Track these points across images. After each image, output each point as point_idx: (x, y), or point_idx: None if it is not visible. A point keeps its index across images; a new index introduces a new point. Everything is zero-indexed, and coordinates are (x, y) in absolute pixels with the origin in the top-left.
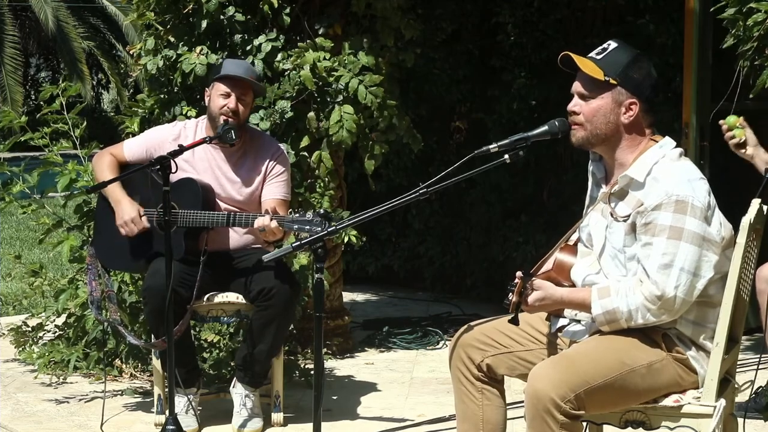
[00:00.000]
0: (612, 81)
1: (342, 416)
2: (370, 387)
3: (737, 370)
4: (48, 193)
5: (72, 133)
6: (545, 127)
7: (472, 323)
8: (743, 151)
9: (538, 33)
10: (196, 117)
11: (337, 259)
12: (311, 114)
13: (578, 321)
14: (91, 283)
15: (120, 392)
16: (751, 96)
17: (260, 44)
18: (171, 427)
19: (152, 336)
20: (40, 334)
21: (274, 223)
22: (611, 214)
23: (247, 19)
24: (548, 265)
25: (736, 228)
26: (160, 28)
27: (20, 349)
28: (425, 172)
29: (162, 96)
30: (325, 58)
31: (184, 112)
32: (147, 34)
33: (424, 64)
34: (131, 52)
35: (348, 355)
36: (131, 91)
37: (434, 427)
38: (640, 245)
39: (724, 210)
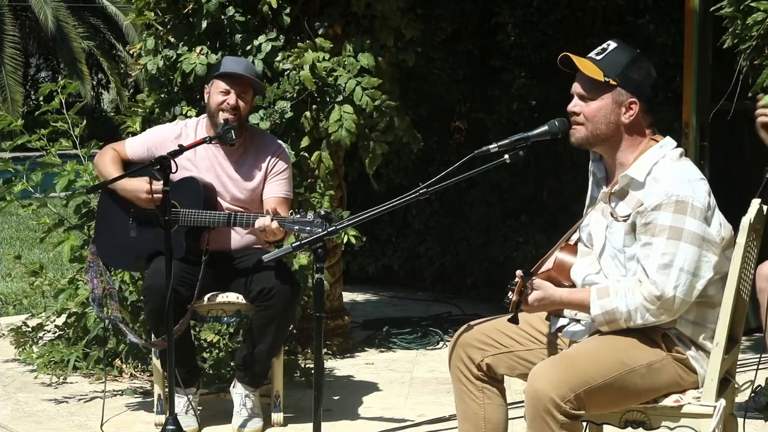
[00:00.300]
0: (612, 81)
1: (342, 416)
2: (370, 387)
3: (737, 370)
4: (49, 194)
5: (72, 133)
6: (545, 127)
7: (472, 323)
8: (765, 133)
9: (538, 33)
10: (197, 116)
11: (337, 259)
12: (307, 113)
13: (578, 321)
14: (93, 280)
15: (120, 392)
16: (749, 94)
17: (260, 44)
18: (171, 427)
19: (152, 335)
20: (40, 334)
21: (274, 224)
22: (611, 214)
23: (247, 19)
24: (548, 265)
25: (736, 228)
26: (160, 28)
27: (20, 349)
28: (425, 172)
29: (162, 96)
30: (324, 59)
31: (184, 112)
32: (147, 34)
33: (424, 64)
34: (131, 52)
35: (348, 355)
36: (131, 91)
37: (434, 427)
38: (640, 245)
39: (724, 210)
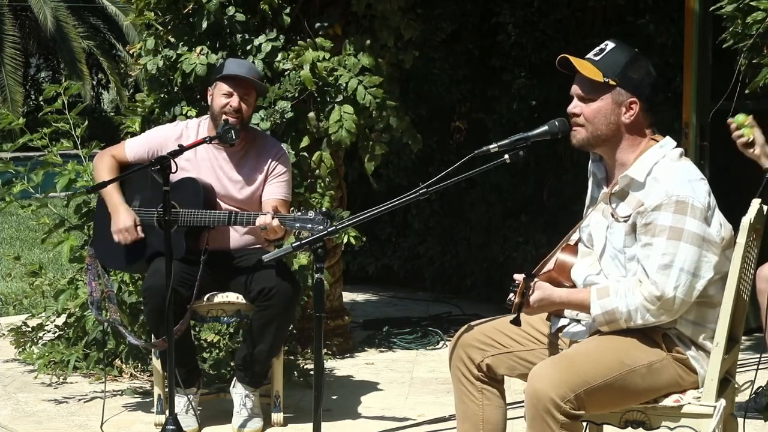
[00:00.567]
0: (611, 82)
1: (342, 416)
2: (370, 387)
3: (737, 370)
4: (49, 194)
5: (73, 133)
6: (545, 127)
7: (472, 323)
8: (751, 150)
9: (538, 33)
10: (197, 117)
11: (337, 259)
12: (311, 114)
13: (578, 321)
14: (91, 283)
15: (120, 392)
16: (747, 92)
17: (260, 44)
18: (171, 427)
19: (152, 336)
20: (40, 334)
21: (275, 222)
22: (612, 215)
23: (247, 19)
24: (549, 265)
25: (736, 228)
26: (160, 28)
27: (20, 349)
28: (425, 172)
29: (162, 96)
30: (325, 58)
31: (184, 112)
32: (147, 34)
33: (424, 64)
34: (131, 52)
35: (348, 355)
36: (131, 91)
37: (434, 427)
38: (640, 245)
39: (724, 210)
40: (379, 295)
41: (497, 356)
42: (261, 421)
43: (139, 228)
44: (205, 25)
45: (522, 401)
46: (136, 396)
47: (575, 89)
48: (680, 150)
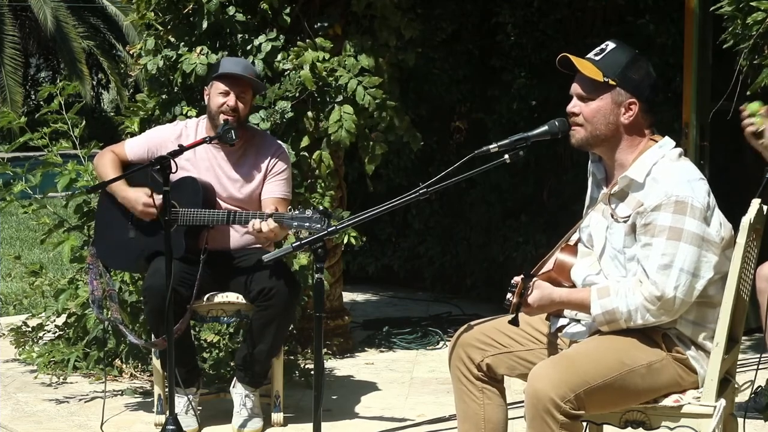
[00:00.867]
0: (611, 82)
1: (342, 416)
2: (370, 387)
3: (737, 370)
4: (48, 193)
5: (72, 133)
6: (545, 127)
7: (472, 323)
8: (761, 141)
9: (538, 33)
10: (197, 117)
11: (337, 259)
12: (309, 114)
13: (578, 321)
14: (92, 282)
15: (120, 392)
16: (748, 93)
17: (260, 44)
18: (171, 427)
19: (152, 335)
20: (40, 334)
21: (265, 226)
22: (611, 215)
23: (247, 19)
24: (549, 266)
25: (736, 228)
26: (161, 28)
27: (20, 349)
28: (425, 172)
29: (162, 96)
30: (324, 59)
31: (184, 112)
32: (147, 34)
33: (424, 64)
34: (131, 52)
35: (348, 355)
36: (131, 91)
37: (434, 427)
38: (640, 246)
39: (724, 210)
40: (379, 295)
41: (497, 356)
42: (261, 421)
43: (155, 196)
44: (205, 25)
45: (522, 401)
46: (136, 396)
47: (575, 88)
48: (679, 150)
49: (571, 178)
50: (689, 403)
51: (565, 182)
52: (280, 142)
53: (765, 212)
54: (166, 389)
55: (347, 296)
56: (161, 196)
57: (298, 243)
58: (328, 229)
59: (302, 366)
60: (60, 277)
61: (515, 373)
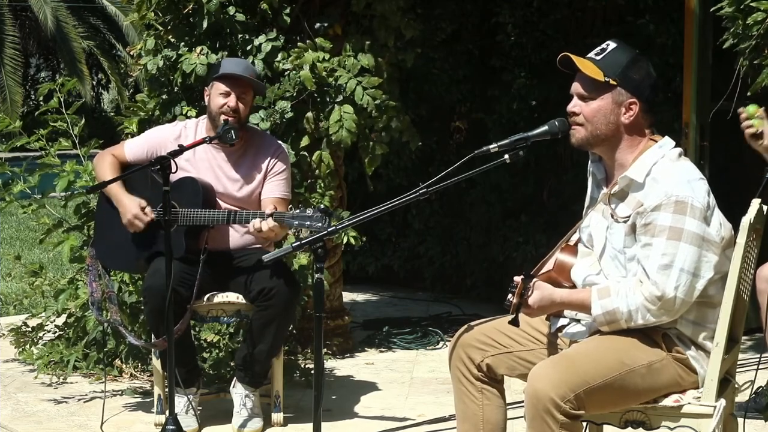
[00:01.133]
0: (612, 81)
1: (342, 416)
2: (370, 387)
3: (737, 370)
4: (48, 194)
5: (71, 132)
6: (545, 127)
7: (472, 323)
8: (760, 142)
9: (538, 33)
10: (197, 117)
11: (337, 259)
12: (309, 114)
13: (578, 321)
14: (92, 284)
15: (120, 392)
16: (748, 94)
17: (260, 44)
18: (171, 427)
19: (152, 336)
20: (40, 334)
21: (265, 226)
22: (612, 215)
23: (247, 19)
24: (549, 266)
25: (736, 228)
26: (161, 28)
27: (20, 349)
28: (425, 172)
29: (162, 96)
30: (324, 59)
31: (184, 113)
32: (147, 34)
33: (424, 64)
34: (131, 53)
35: (348, 355)
36: (131, 91)
37: (434, 427)
38: (640, 246)
39: (724, 210)
40: (379, 295)
41: (497, 356)
42: (261, 421)
43: (147, 209)
44: (205, 25)
45: (522, 401)
46: (136, 396)
47: (575, 88)
48: (679, 150)
49: (571, 178)
50: (689, 403)
51: (565, 182)
52: (279, 142)
53: (765, 212)
54: (166, 389)
55: (347, 296)
56: (154, 214)
57: (298, 243)
58: (328, 229)
59: (302, 366)
60: (60, 277)
61: (515, 374)
